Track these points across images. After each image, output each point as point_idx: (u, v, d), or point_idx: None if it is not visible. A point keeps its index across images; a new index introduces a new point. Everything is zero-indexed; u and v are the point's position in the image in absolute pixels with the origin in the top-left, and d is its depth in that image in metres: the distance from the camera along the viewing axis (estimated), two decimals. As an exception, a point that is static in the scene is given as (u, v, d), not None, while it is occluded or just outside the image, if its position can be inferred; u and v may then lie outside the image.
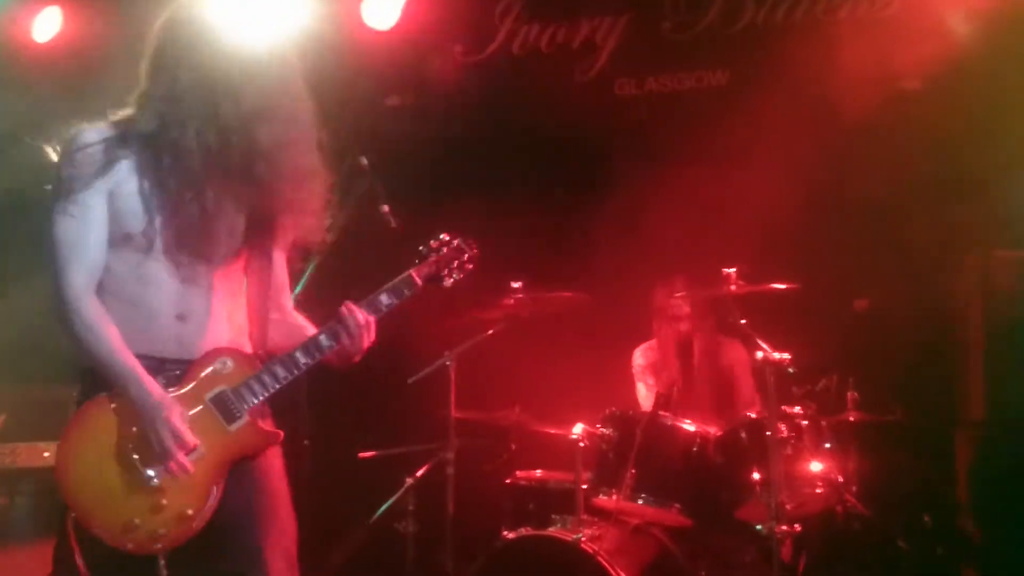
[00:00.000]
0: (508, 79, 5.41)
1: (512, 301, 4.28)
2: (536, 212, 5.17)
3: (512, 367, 4.74)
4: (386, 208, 4.05)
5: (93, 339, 2.24)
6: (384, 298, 2.46)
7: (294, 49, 2.45)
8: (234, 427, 2.33)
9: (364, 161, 4.04)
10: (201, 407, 2.32)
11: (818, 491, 3.88)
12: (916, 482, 4.46)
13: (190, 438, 2.26)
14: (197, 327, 2.34)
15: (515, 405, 4.30)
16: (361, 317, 2.41)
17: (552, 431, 4.20)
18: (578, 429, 3.99)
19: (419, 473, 4.35)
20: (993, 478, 4.46)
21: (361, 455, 4.50)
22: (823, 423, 3.99)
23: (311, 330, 2.52)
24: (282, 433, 2.42)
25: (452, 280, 2.57)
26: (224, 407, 2.33)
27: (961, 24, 4.71)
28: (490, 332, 4.34)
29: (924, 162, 4.69)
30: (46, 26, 5.33)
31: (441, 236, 2.58)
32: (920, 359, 4.71)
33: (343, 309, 2.41)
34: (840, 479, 3.92)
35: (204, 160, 2.26)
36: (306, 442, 4.50)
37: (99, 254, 2.27)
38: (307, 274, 3.61)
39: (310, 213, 2.45)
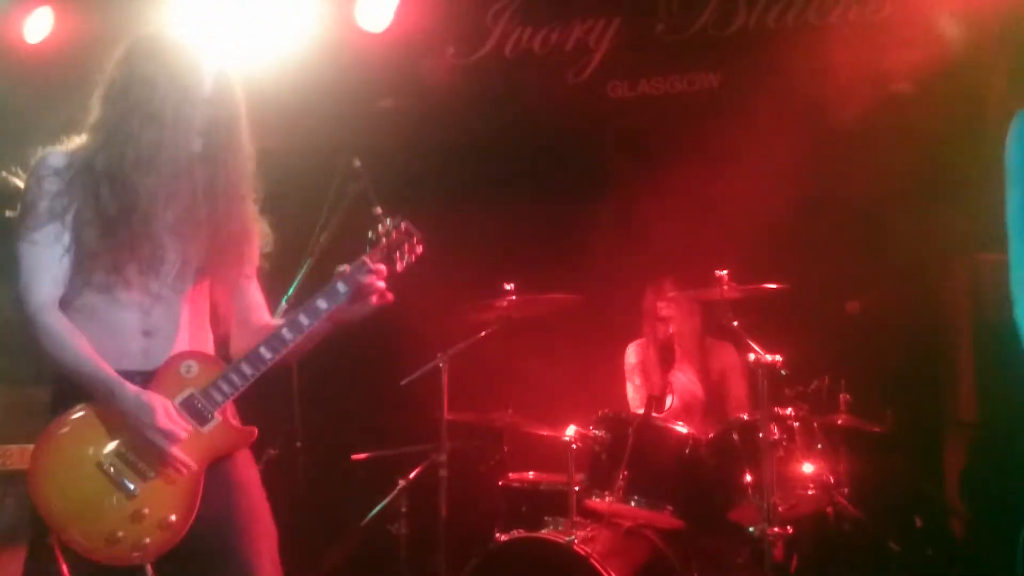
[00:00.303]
0: (501, 81, 5.41)
1: (505, 303, 4.29)
2: (529, 214, 5.17)
3: (505, 369, 4.75)
4: (378, 210, 4.06)
5: (60, 349, 2.26)
6: (340, 286, 2.44)
7: (244, 87, 2.45)
8: (207, 428, 2.34)
9: (357, 163, 4.05)
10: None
11: (810, 493, 3.88)
12: (907, 484, 4.48)
13: (182, 429, 2.28)
14: (163, 341, 2.37)
15: (508, 407, 4.30)
16: (325, 305, 2.42)
17: (545, 433, 4.21)
18: (571, 431, 3.99)
19: (412, 475, 4.35)
20: (983, 480, 4.49)
21: (354, 457, 4.50)
22: (815, 425, 4.01)
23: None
24: (256, 430, 2.42)
25: (403, 264, 2.56)
26: (194, 410, 2.34)
27: (951, 28, 4.73)
28: (483, 334, 4.34)
29: (914, 165, 4.71)
30: (37, 26, 5.31)
31: (388, 221, 2.58)
32: (911, 361, 4.73)
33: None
34: (831, 480, 3.93)
35: (138, 192, 2.30)
36: (299, 444, 4.50)
37: (61, 274, 2.31)
38: (299, 277, 3.61)
39: (243, 245, 2.47)
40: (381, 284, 2.46)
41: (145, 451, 2.29)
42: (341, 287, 2.43)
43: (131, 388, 2.27)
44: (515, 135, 5.33)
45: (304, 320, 2.40)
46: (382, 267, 2.47)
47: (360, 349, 4.28)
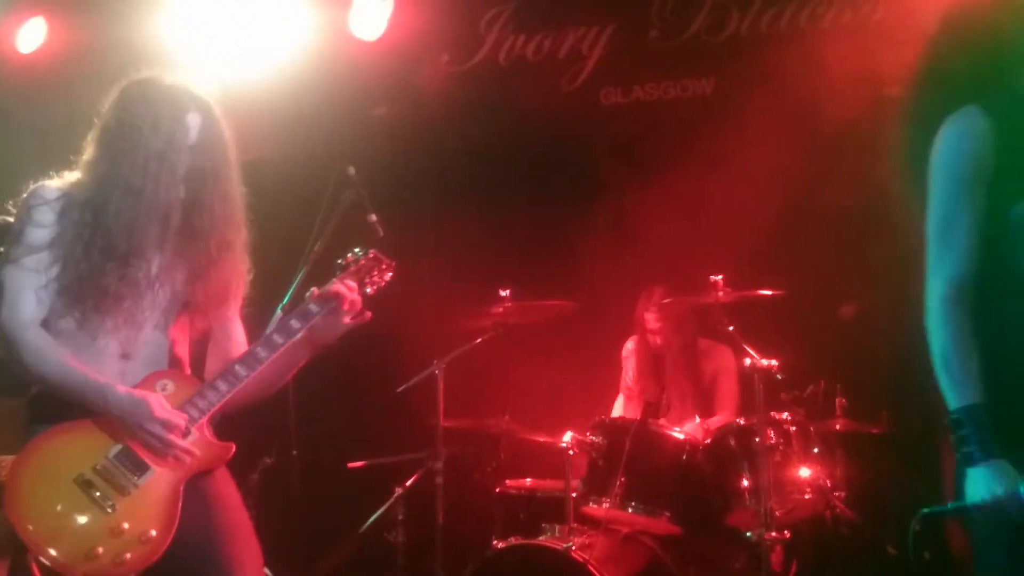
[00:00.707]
0: (495, 88, 5.42)
1: (500, 309, 4.28)
2: (523, 220, 5.18)
3: (501, 375, 4.74)
4: (373, 217, 4.07)
5: (44, 364, 2.30)
6: (313, 306, 2.49)
7: (239, 98, 2.50)
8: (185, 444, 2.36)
9: (351, 171, 4.05)
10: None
11: (807, 497, 3.88)
12: (904, 487, 4.47)
13: (179, 417, 2.31)
14: (141, 364, 2.40)
15: (504, 413, 4.30)
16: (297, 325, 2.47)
17: (541, 439, 4.20)
18: (567, 437, 3.99)
19: (408, 482, 4.34)
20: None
21: (350, 465, 4.49)
22: (811, 429, 4.01)
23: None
24: (233, 446, 2.45)
25: (373, 288, 2.65)
26: (171, 426, 2.34)
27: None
28: (479, 340, 4.34)
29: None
30: (30, 37, 5.31)
31: (356, 250, 2.68)
32: (906, 364, 4.71)
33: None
34: (828, 484, 3.93)
35: (122, 236, 2.36)
36: (295, 452, 4.49)
37: (46, 296, 2.34)
38: (294, 285, 3.61)
39: (228, 287, 2.51)
40: (355, 298, 2.51)
41: (133, 457, 2.30)
42: (313, 307, 2.49)
43: (121, 389, 2.31)
44: (509, 142, 5.33)
45: (278, 339, 2.44)
46: (353, 284, 2.53)
47: (355, 357, 4.26)
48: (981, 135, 2.02)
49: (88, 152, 2.45)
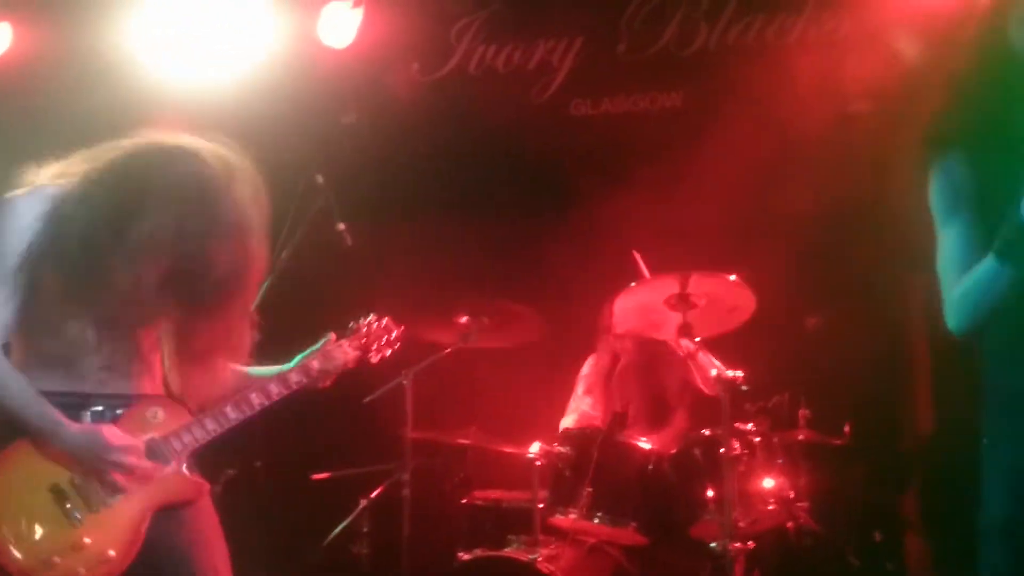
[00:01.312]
0: (464, 98, 5.43)
1: (468, 320, 4.28)
2: (492, 230, 5.18)
3: (469, 386, 4.73)
4: (342, 226, 4.06)
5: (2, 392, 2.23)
6: (316, 363, 2.62)
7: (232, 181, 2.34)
8: (161, 474, 2.34)
9: (320, 179, 4.03)
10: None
11: (770, 508, 3.91)
12: (866, 498, 4.52)
13: (133, 440, 2.27)
14: (121, 373, 2.36)
15: (472, 424, 4.29)
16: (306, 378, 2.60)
17: (508, 450, 4.20)
18: (535, 448, 3.99)
19: (374, 494, 4.32)
20: (940, 493, 4.55)
21: (314, 477, 4.45)
22: (775, 440, 4.04)
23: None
24: (208, 485, 2.44)
25: (378, 356, 2.83)
26: (152, 454, 2.33)
27: (908, 47, 4.83)
28: (447, 351, 4.33)
29: (872, 182, 4.78)
30: (-5, 42, 5.24)
31: (370, 316, 2.83)
32: (869, 375, 4.79)
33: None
34: (792, 495, 3.96)
35: (93, 245, 2.24)
36: (258, 464, 4.45)
37: (11, 317, 2.25)
38: (260, 294, 3.58)
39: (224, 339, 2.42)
40: (347, 365, 2.70)
41: (99, 483, 2.28)
42: (316, 364, 2.62)
43: (74, 426, 2.25)
44: (479, 152, 5.34)
45: (273, 389, 2.53)
46: (355, 355, 2.71)
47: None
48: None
49: (75, 166, 2.31)
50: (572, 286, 4.94)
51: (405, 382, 4.25)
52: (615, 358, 4.73)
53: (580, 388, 4.75)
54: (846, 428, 4.36)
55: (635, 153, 5.14)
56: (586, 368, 4.83)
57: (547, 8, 5.37)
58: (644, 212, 4.71)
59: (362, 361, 2.77)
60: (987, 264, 1.90)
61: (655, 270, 4.11)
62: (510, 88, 5.42)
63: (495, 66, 5.47)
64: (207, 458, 2.51)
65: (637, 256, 4.17)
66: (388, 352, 2.81)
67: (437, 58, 5.49)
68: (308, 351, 2.65)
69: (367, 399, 4.27)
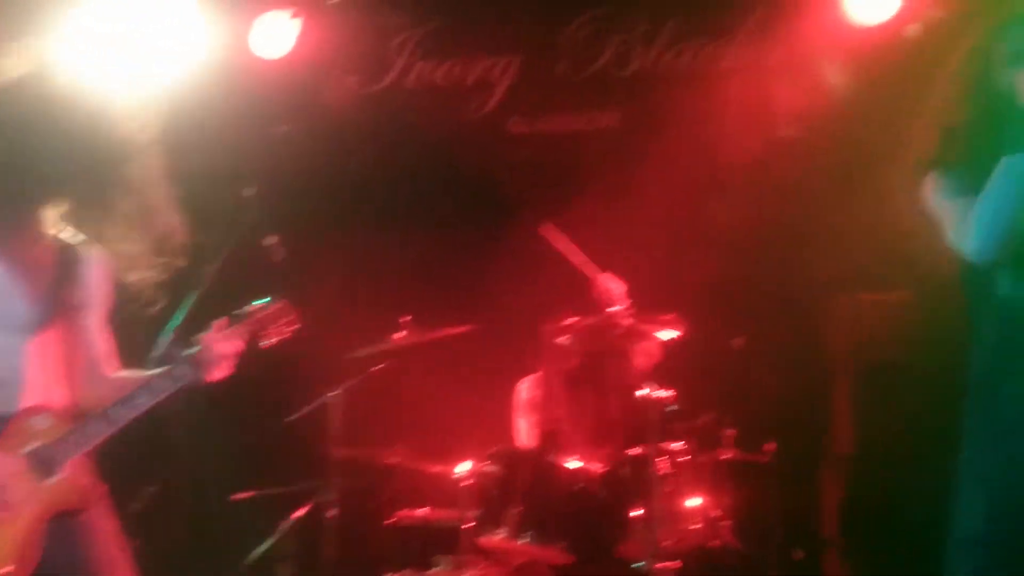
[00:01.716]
0: (402, 112, 5.40)
1: (400, 336, 4.24)
2: (425, 246, 5.16)
3: (399, 403, 4.69)
4: (271, 240, 3.99)
5: None
6: (202, 354, 2.49)
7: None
8: (49, 482, 2.28)
9: (250, 192, 3.96)
10: (15, 461, 2.26)
11: (696, 527, 3.95)
12: (787, 516, 4.60)
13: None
14: (12, 389, 2.28)
15: (400, 442, 4.25)
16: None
17: (434, 469, 4.16)
18: (465, 467, 3.96)
19: (298, 514, 4.23)
20: (860, 512, 4.65)
21: (235, 496, 4.35)
22: (702, 459, 4.08)
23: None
24: (104, 487, 2.38)
25: (268, 342, 2.66)
26: (39, 462, 2.27)
27: (838, 76, 4.96)
28: (377, 367, 4.28)
29: (800, 206, 4.89)
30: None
31: (267, 300, 2.68)
32: (793, 396, 4.88)
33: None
34: (717, 514, 4.00)
35: None
36: (180, 481, 4.34)
37: None
38: (186, 307, 3.51)
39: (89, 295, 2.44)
40: (232, 353, 2.51)
41: None
42: (202, 355, 2.47)
43: None
44: (415, 166, 5.32)
45: (158, 384, 2.43)
46: (240, 339, 2.53)
47: (248, 382, 4.16)
48: None
49: None
50: (506, 302, 4.94)
51: (332, 400, 4.19)
52: (558, 374, 4.72)
53: (522, 410, 4.74)
54: (768, 447, 4.43)
55: (571, 171, 5.18)
56: (524, 392, 4.82)
57: (487, 26, 5.39)
58: (579, 230, 4.74)
59: (254, 344, 2.61)
60: (995, 173, 2.05)
61: (589, 287, 4.14)
62: (448, 104, 5.41)
63: (433, 81, 5.45)
64: (126, 475, 2.45)
65: (548, 232, 4.20)
66: (281, 337, 2.64)
67: (375, 72, 5.45)
68: (194, 342, 2.53)
69: (290, 417, 4.20)
